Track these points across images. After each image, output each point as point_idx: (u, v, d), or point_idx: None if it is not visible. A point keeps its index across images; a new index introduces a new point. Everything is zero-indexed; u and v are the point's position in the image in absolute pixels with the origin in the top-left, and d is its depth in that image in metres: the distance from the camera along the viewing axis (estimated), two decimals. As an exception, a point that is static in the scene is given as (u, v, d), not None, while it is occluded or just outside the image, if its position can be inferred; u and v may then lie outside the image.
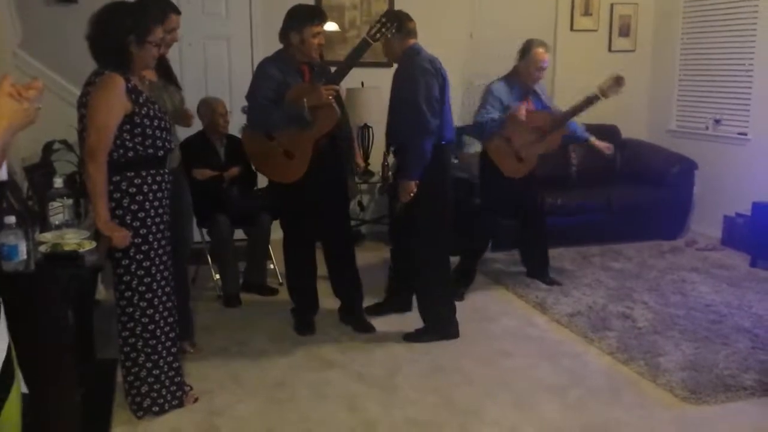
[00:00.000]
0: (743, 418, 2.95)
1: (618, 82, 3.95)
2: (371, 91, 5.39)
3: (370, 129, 5.57)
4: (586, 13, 6.32)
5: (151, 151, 2.68)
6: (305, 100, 3.41)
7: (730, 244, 5.58)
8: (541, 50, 4.08)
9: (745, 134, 5.68)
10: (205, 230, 4.43)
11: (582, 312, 4.12)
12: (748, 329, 3.85)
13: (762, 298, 4.34)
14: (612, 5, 6.38)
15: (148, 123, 2.65)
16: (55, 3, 4.95)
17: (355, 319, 3.91)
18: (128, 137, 2.63)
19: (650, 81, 6.62)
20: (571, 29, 6.32)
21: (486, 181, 4.40)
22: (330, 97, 3.43)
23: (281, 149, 3.56)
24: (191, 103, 4.82)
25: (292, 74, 3.54)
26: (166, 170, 2.80)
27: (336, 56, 5.67)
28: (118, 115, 2.58)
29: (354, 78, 4.72)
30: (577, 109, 4.09)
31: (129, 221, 2.69)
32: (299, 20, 3.48)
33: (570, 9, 6.30)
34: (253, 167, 4.04)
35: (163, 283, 2.81)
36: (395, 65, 3.65)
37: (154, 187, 2.72)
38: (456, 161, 4.91)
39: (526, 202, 4.46)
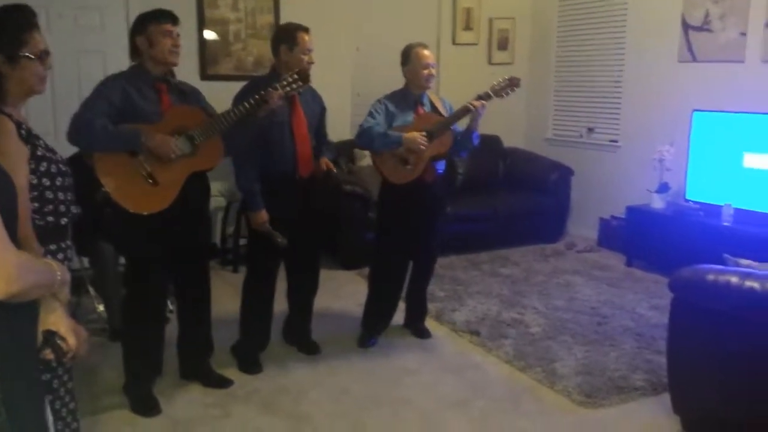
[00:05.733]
0: (637, 417, 3.12)
1: (512, 82, 3.81)
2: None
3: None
4: (467, 27, 6.51)
5: (51, 218, 1.99)
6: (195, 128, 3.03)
7: (606, 244, 5.93)
8: (420, 49, 3.81)
9: (616, 141, 6.05)
10: (86, 259, 4.15)
11: (478, 320, 4.22)
12: (632, 329, 4.09)
13: (641, 298, 4.63)
14: (491, 20, 6.61)
15: (48, 184, 1.94)
16: None
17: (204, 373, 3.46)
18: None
19: (528, 92, 6.91)
20: (454, 43, 6.49)
21: (380, 199, 4.02)
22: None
23: (144, 171, 2.96)
24: (64, 121, 4.49)
25: (146, 92, 3.04)
26: (69, 242, 2.10)
27: (220, 70, 5.51)
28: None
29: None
30: (466, 109, 3.76)
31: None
32: (143, 22, 3.04)
33: (452, 23, 6.47)
34: (104, 188, 2.98)
35: (72, 405, 2.10)
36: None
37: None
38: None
39: (420, 228, 3.95)
